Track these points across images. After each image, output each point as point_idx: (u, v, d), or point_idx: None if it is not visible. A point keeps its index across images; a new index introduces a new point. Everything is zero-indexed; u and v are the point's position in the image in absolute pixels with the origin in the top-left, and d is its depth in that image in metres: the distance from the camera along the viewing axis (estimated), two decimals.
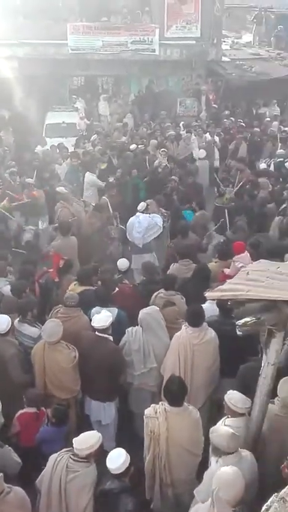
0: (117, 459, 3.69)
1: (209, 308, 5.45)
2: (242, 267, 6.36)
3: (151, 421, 4.08)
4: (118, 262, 6.76)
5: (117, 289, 6.11)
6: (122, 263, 6.74)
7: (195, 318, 5.00)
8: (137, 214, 8.26)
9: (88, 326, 5.39)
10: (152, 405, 4.23)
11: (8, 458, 4.16)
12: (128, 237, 8.35)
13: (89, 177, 9.91)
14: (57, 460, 3.82)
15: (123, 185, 9.96)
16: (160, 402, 4.22)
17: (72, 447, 3.82)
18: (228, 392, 4.19)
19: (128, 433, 5.32)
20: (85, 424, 4.72)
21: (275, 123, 14.46)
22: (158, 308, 5.40)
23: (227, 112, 15.26)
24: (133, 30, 15.20)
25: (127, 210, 9.09)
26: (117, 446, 5.24)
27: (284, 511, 1.70)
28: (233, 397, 4.11)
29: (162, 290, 5.92)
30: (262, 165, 11.17)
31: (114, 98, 15.66)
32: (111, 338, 5.15)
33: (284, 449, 4.06)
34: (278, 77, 17.22)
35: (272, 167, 11.15)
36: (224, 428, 3.84)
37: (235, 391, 4.19)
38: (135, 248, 8.28)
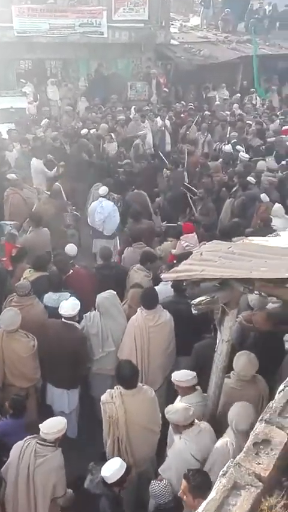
0: (112, 468, 3.68)
1: (164, 289, 5.55)
2: (187, 246, 6.55)
3: (108, 406, 4.14)
4: (66, 247, 6.67)
5: (71, 271, 6.09)
6: (70, 249, 6.67)
7: (149, 301, 5.07)
8: (100, 199, 8.19)
9: (42, 314, 5.41)
10: (108, 390, 4.29)
11: None
12: (89, 221, 8.29)
13: (35, 164, 9.56)
14: (23, 447, 3.83)
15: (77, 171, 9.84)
16: (115, 387, 4.28)
17: (37, 434, 3.85)
18: (173, 374, 4.32)
19: (89, 419, 5.34)
20: (47, 414, 4.71)
21: (236, 105, 14.66)
22: (115, 292, 5.43)
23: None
24: (80, 13, 14.89)
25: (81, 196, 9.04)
26: (79, 432, 5.37)
27: (239, 474, 1.80)
28: (177, 375, 4.24)
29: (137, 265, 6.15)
30: (227, 147, 11.11)
31: (64, 82, 15.36)
32: (78, 325, 5.16)
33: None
34: (226, 60, 17.44)
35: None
36: (176, 404, 3.98)
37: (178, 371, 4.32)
38: (96, 233, 8.24)
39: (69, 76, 15.71)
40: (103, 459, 4.05)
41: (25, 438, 3.90)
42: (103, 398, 4.22)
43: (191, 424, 3.81)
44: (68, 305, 5.12)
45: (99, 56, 15.80)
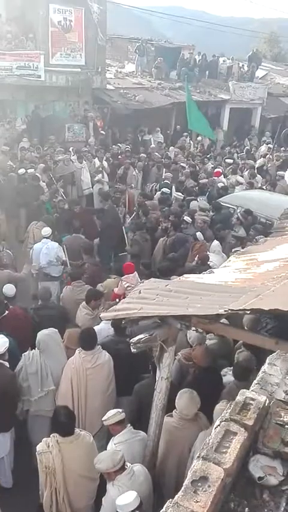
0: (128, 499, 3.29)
1: (105, 328, 5.53)
2: (128, 286, 6.63)
3: (44, 456, 3.98)
4: (4, 287, 6.50)
5: (7, 312, 5.92)
6: (9, 288, 6.51)
7: (87, 341, 5.02)
8: (43, 240, 8.06)
9: None
10: (44, 439, 4.12)
11: None
12: (32, 263, 8.01)
13: None
14: None
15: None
16: (52, 435, 4.13)
17: None
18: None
19: (26, 467, 5.09)
20: None
21: (171, 148, 15.23)
22: (56, 330, 5.37)
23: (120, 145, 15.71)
24: (18, 56, 15.10)
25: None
26: (14, 481, 5.09)
27: None
28: (106, 414, 4.15)
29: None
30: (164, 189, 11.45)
31: (1, 122, 15.33)
32: (6, 363, 4.98)
33: (181, 460, 4.23)
34: (160, 106, 18.30)
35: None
36: (102, 453, 3.84)
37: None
38: (41, 275, 8.04)
39: (6, 117, 15.69)
40: None
41: None
42: (39, 447, 4.05)
43: (123, 468, 3.67)
44: None
45: (37, 98, 15.99)
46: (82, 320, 6.04)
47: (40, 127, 15.47)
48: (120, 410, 4.14)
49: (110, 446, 4.06)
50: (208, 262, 7.54)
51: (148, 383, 4.55)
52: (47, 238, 8.09)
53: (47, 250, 7.95)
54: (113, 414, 4.08)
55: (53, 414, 4.32)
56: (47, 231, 8.20)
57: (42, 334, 5.20)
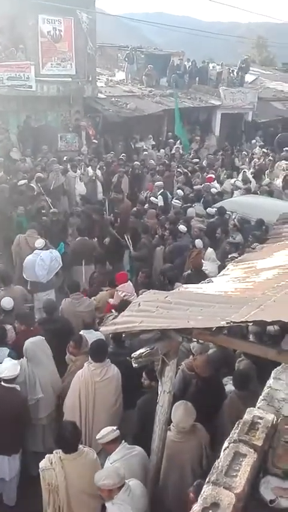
0: None
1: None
2: (125, 295, 6.60)
3: (47, 473, 3.91)
4: (2, 301, 6.45)
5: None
6: (7, 302, 6.45)
7: (99, 353, 4.94)
8: (35, 251, 7.99)
9: None
10: (47, 455, 4.06)
11: None
12: (25, 276, 7.98)
13: None
14: None
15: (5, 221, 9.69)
16: (54, 451, 4.06)
17: None
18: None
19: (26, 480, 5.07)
20: None
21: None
22: (43, 338, 5.34)
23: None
24: (8, 67, 15.09)
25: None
26: (18, 497, 5.04)
27: None
28: (99, 432, 4.10)
29: None
30: (153, 198, 11.48)
31: None
32: (18, 387, 4.94)
33: (183, 474, 4.18)
34: (152, 113, 18.34)
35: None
36: (102, 470, 3.79)
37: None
38: (37, 286, 7.98)
39: None
40: None
41: None
42: (41, 464, 3.98)
43: (120, 486, 3.63)
44: (8, 367, 4.87)
45: (28, 108, 15.98)
46: None
47: (32, 137, 15.44)
48: (115, 428, 4.08)
49: (107, 465, 3.98)
50: (203, 269, 7.54)
51: (150, 397, 4.49)
52: (40, 249, 8.00)
53: (41, 261, 7.87)
54: (108, 433, 4.03)
55: (59, 429, 4.26)
56: (40, 242, 8.12)
57: (28, 342, 5.18)
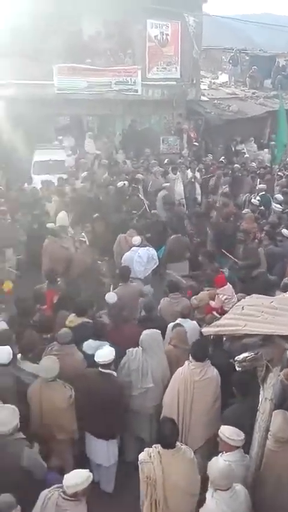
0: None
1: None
2: (226, 299, 6.57)
3: (146, 466, 4.01)
4: (106, 296, 6.72)
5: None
6: (111, 296, 6.70)
7: (200, 352, 4.98)
8: (133, 248, 8.30)
9: (80, 364, 5.39)
10: (146, 449, 4.17)
11: (36, 460, 4.16)
12: None
13: (60, 215, 9.77)
14: (47, 497, 3.69)
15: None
16: (153, 446, 4.16)
17: None
18: (221, 427, 4.22)
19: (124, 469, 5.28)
20: (86, 465, 4.63)
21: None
22: (159, 331, 5.51)
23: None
24: (116, 72, 15.71)
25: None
26: (116, 486, 5.25)
27: None
28: (227, 430, 4.13)
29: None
30: (254, 200, 11.36)
31: (100, 136, 16.03)
32: (114, 373, 5.15)
33: (280, 484, 4.10)
34: (254, 115, 18.00)
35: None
36: (220, 465, 3.79)
37: (226, 426, 4.22)
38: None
39: (105, 130, 16.38)
40: None
41: (50, 488, 3.74)
42: (141, 457, 4.11)
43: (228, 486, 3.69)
44: (104, 352, 5.12)
45: (133, 112, 16.49)
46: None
47: (136, 140, 15.91)
48: (243, 436, 4.10)
49: (220, 459, 3.99)
50: None
51: (236, 409, 4.46)
52: (137, 246, 8.30)
53: (139, 258, 8.16)
54: (240, 439, 4.08)
55: (160, 424, 4.38)
56: (137, 239, 8.44)
57: (144, 334, 5.38)
